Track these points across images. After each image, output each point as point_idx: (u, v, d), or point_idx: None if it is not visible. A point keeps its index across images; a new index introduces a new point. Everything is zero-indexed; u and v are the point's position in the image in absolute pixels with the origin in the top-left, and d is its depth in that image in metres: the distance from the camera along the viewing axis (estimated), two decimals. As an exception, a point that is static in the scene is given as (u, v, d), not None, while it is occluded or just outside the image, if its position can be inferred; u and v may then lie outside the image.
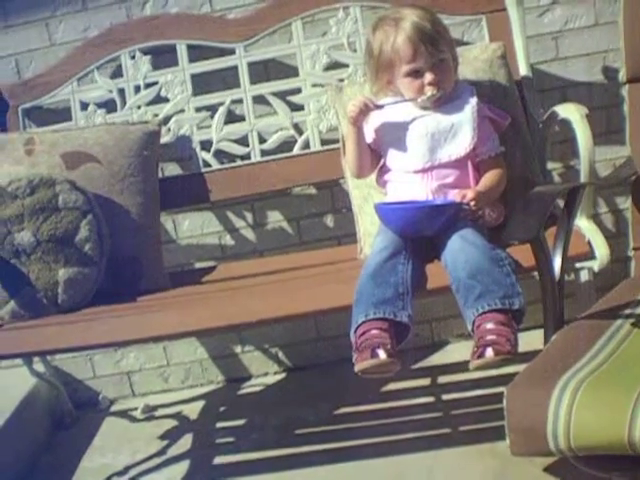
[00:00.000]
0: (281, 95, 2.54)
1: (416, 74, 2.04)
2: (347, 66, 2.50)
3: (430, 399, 2.54)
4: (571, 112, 2.17)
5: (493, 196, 2.05)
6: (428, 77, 2.03)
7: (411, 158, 2.06)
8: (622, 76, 1.98)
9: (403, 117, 2.08)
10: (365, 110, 2.06)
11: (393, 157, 2.10)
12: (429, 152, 2.05)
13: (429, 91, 2.03)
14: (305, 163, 2.50)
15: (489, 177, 2.06)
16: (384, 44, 2.04)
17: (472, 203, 1.96)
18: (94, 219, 2.29)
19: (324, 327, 2.80)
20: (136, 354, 2.86)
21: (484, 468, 2.13)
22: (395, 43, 2.02)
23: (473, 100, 2.07)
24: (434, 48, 2.02)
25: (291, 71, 2.56)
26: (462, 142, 2.04)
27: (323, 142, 2.50)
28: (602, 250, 2.03)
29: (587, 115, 2.13)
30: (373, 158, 2.14)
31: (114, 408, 2.86)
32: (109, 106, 2.57)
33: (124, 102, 2.56)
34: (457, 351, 2.71)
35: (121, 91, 2.56)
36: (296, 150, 2.52)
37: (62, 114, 2.58)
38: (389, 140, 2.10)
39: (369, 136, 2.11)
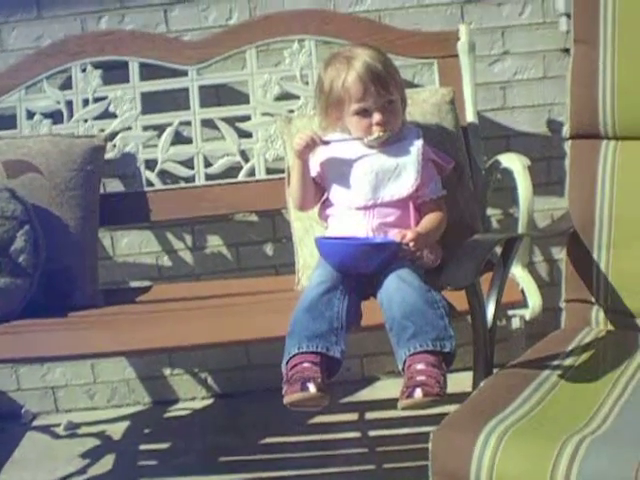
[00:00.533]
0: (230, 121, 2.54)
1: (364, 113, 2.06)
2: (298, 98, 2.52)
3: (357, 434, 2.54)
4: (513, 162, 2.22)
5: (432, 238, 2.07)
6: (376, 117, 2.05)
7: (354, 195, 2.08)
8: (565, 131, 2.02)
9: (349, 154, 2.10)
10: (311, 145, 2.07)
11: (337, 192, 2.11)
12: (372, 190, 2.07)
13: (376, 132, 2.06)
14: (249, 190, 2.51)
15: (429, 219, 2.08)
16: (335, 81, 2.06)
17: (411, 244, 1.98)
18: (31, 230, 2.26)
19: (256, 355, 2.79)
20: (63, 369, 2.81)
21: (404, 507, 2.15)
22: (346, 81, 2.04)
23: (419, 142, 2.10)
24: (384, 89, 2.04)
25: (242, 98, 2.57)
26: (405, 183, 2.07)
27: (269, 171, 2.51)
28: (534, 299, 2.07)
29: (529, 166, 2.17)
30: (317, 192, 2.15)
31: (37, 422, 2.81)
32: (55, 117, 2.54)
33: (71, 114, 2.54)
34: (386, 388, 2.72)
35: (69, 103, 2.54)
36: (241, 177, 2.53)
37: (7, 121, 2.54)
38: (334, 175, 2.11)
39: (314, 170, 2.12)
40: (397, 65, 2.16)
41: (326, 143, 2.09)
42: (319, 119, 2.16)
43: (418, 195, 2.09)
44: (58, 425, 2.76)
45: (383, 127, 2.05)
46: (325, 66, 2.11)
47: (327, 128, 2.14)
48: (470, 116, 2.43)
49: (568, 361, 1.75)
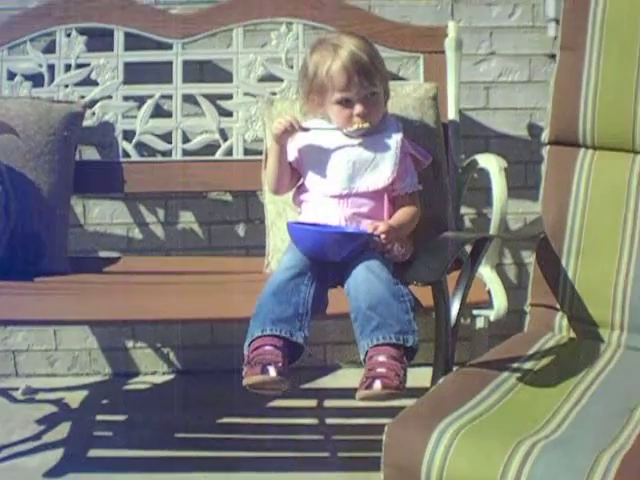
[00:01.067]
0: (212, 98, 2.53)
1: (346, 103, 2.06)
2: (281, 80, 2.52)
3: (314, 421, 2.55)
4: (491, 163, 2.23)
5: (404, 232, 2.08)
6: (357, 108, 2.05)
7: (330, 183, 2.08)
8: (544, 137, 2.03)
9: (328, 142, 2.10)
10: (290, 130, 2.07)
11: (312, 179, 2.11)
12: (348, 179, 2.07)
13: (356, 124, 2.06)
14: (225, 169, 2.50)
15: (402, 213, 2.09)
16: (319, 68, 2.06)
17: (383, 236, 1.98)
18: (3, 191, 2.25)
19: (220, 334, 2.79)
20: (25, 334, 2.79)
21: (356, 497, 2.16)
22: (330, 69, 2.04)
23: (398, 136, 2.10)
24: (367, 81, 2.04)
25: (225, 76, 2.56)
26: (381, 175, 2.07)
27: (246, 151, 2.51)
28: (500, 301, 2.09)
29: (506, 168, 2.18)
30: (292, 177, 2.15)
31: (-5, 385, 2.79)
32: (36, 80, 2.52)
33: (52, 78, 2.51)
34: (347, 377, 2.73)
35: (51, 67, 2.51)
36: (218, 155, 2.52)
37: (-14, 80, 2.52)
38: (311, 162, 2.11)
39: (291, 155, 2.12)
40: (383, 57, 2.16)
41: (305, 130, 2.09)
42: (300, 103, 2.16)
43: (394, 188, 2.09)
44: (16, 389, 2.74)
45: (364, 119, 2.05)
46: (311, 51, 2.11)
47: (308, 113, 2.14)
48: (452, 114, 2.43)
49: (528, 365, 1.76)
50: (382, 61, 2.12)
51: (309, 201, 2.12)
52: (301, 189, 2.15)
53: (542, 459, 1.41)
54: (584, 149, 1.98)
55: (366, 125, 2.06)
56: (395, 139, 2.09)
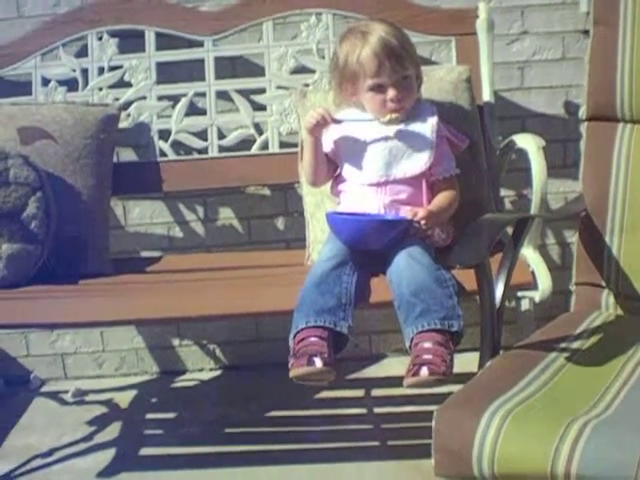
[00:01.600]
0: (245, 93, 2.53)
1: (379, 89, 2.05)
2: (314, 72, 2.51)
3: (362, 410, 2.55)
4: (528, 143, 2.20)
5: (444, 217, 2.06)
6: (391, 93, 2.04)
7: (367, 171, 2.07)
8: (582, 113, 2.01)
9: (363, 130, 2.09)
10: (322, 123, 2.06)
11: (349, 168, 2.10)
12: (385, 167, 2.06)
13: (389, 114, 2.04)
14: (262, 163, 2.50)
15: (442, 198, 2.07)
16: (350, 56, 2.05)
17: (422, 222, 1.97)
18: (43, 197, 2.26)
19: (264, 329, 2.80)
20: (72, 337, 2.82)
21: (407, 484, 2.15)
22: (360, 56, 2.03)
23: (433, 120, 2.09)
24: (399, 65, 2.03)
25: (257, 70, 2.56)
26: (418, 160, 2.06)
27: (282, 144, 2.50)
28: (545, 282, 2.06)
29: (544, 147, 2.16)
30: (329, 168, 2.14)
31: (45, 389, 2.82)
32: (70, 85, 2.53)
33: (86, 82, 2.53)
34: (393, 366, 2.72)
35: (84, 71, 2.53)
36: (254, 150, 2.52)
37: (22, 88, 2.53)
38: (347, 152, 2.10)
39: (327, 146, 2.11)
40: (414, 42, 2.15)
41: (338, 122, 2.08)
42: (333, 94, 2.15)
43: (431, 173, 2.08)
44: (66, 392, 2.77)
45: (398, 103, 2.04)
46: (340, 41, 2.10)
47: (341, 104, 2.13)
48: (486, 95, 2.41)
49: (576, 344, 1.75)
50: (412, 45, 2.11)
51: (347, 191, 2.12)
52: (338, 179, 2.14)
53: (594, 438, 1.39)
54: (623, 123, 1.96)
55: (400, 115, 2.05)
56: (430, 124, 2.08)
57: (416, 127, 2.08)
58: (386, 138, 2.07)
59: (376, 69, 2.02)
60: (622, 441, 1.39)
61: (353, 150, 2.09)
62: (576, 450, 1.38)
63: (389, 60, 2.02)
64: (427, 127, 2.08)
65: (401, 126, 2.07)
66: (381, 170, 2.06)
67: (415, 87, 2.09)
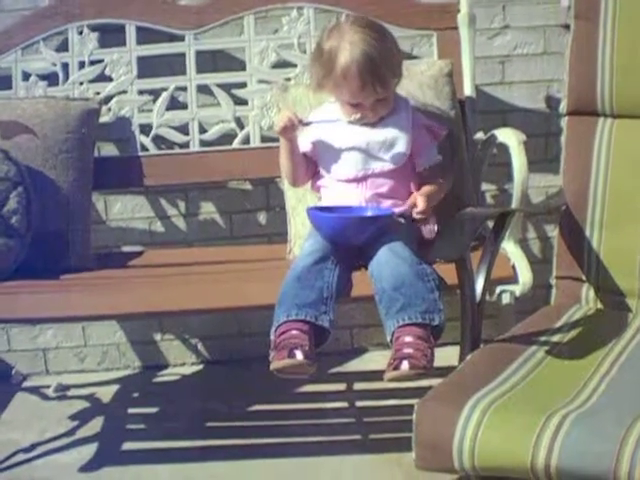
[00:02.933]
0: (226, 87, 2.53)
1: (356, 104, 2.03)
2: (295, 66, 2.50)
3: (344, 404, 2.55)
4: (509, 137, 2.21)
5: (435, 202, 2.06)
6: (366, 111, 2.03)
7: (345, 167, 2.07)
8: (563, 107, 2.02)
9: (340, 127, 2.08)
10: (290, 126, 2.05)
11: (328, 165, 2.10)
12: (363, 162, 2.06)
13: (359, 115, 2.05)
14: (243, 158, 2.50)
15: (429, 187, 2.07)
16: (335, 67, 1.99)
17: (420, 207, 1.98)
18: (24, 192, 2.25)
19: (246, 323, 2.80)
20: (54, 331, 2.81)
21: (389, 478, 2.15)
22: (347, 72, 1.98)
23: (409, 112, 2.09)
24: (381, 87, 2.00)
25: (238, 65, 2.55)
26: (396, 154, 2.06)
27: (263, 139, 2.50)
28: (525, 276, 2.07)
29: (525, 142, 2.17)
30: (308, 167, 2.14)
31: (26, 384, 2.81)
32: (51, 79, 2.52)
33: (67, 77, 2.52)
34: (375, 359, 2.73)
35: (65, 65, 2.51)
36: (236, 144, 2.52)
37: (2, 82, 2.51)
38: (325, 150, 2.10)
39: (305, 146, 2.11)
40: (396, 36, 2.14)
41: (306, 124, 2.08)
42: (310, 80, 2.12)
43: (415, 165, 2.09)
44: (48, 387, 2.76)
45: (371, 117, 2.05)
46: (327, 38, 2.04)
47: (317, 90, 2.11)
48: (468, 90, 2.41)
49: (556, 338, 1.76)
50: (398, 50, 2.08)
51: (327, 186, 2.12)
52: (318, 175, 2.14)
53: (574, 430, 1.41)
54: (603, 118, 1.97)
55: (372, 119, 2.05)
56: (406, 116, 2.08)
57: (392, 121, 2.07)
58: (363, 132, 2.07)
59: (359, 90, 2.00)
60: (601, 433, 1.40)
61: (331, 146, 2.09)
62: (556, 442, 1.40)
63: (372, 83, 1.98)
64: (403, 121, 2.07)
65: (378, 121, 2.07)
66: (359, 165, 2.06)
67: (392, 100, 2.07)
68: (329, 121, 2.09)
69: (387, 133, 2.06)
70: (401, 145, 2.06)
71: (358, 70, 1.97)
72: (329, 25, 2.13)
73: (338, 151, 2.08)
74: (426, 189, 2.06)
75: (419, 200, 1.99)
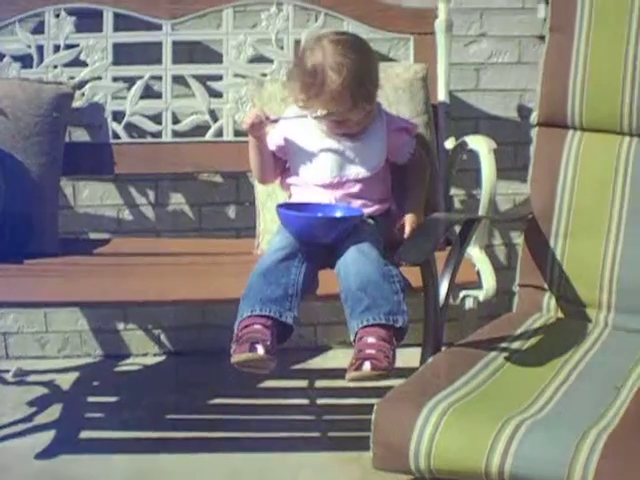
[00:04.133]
0: (201, 79, 2.52)
1: (343, 120, 2.04)
2: (271, 62, 2.51)
3: (304, 401, 2.56)
4: (480, 145, 2.23)
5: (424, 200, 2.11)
6: (351, 125, 2.05)
7: (319, 172, 2.08)
8: (533, 118, 2.04)
9: (314, 130, 2.09)
10: (258, 123, 2.05)
11: (300, 167, 2.11)
12: (338, 168, 2.07)
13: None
14: (215, 150, 2.50)
15: (416, 190, 2.12)
16: (322, 83, 1.98)
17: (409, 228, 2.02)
18: (-8, 173, 2.24)
19: (210, 316, 2.80)
20: (15, 316, 2.79)
21: (347, 476, 2.17)
22: (334, 91, 1.98)
23: (383, 118, 2.11)
24: (367, 103, 2.02)
25: (215, 57, 2.55)
26: (370, 163, 2.07)
27: (236, 133, 2.50)
28: (489, 282, 2.10)
29: (495, 150, 2.19)
30: (276, 165, 2.14)
31: (-15, 367, 2.79)
32: (25, 61, 2.50)
33: (41, 59, 2.49)
34: (337, 358, 2.74)
35: (40, 48, 2.49)
36: (208, 136, 2.52)
37: (-25, 61, 2.50)
38: (297, 151, 2.10)
39: (273, 144, 2.11)
40: (373, 38, 2.15)
41: (274, 121, 2.08)
42: (293, 100, 2.10)
43: (394, 162, 2.12)
44: (7, 371, 2.74)
45: (356, 130, 2.06)
46: (309, 59, 2.02)
47: (292, 102, 2.12)
48: (442, 95, 2.43)
49: (516, 344, 1.78)
50: (377, 63, 2.09)
51: (298, 185, 2.12)
52: (287, 173, 2.14)
53: (529, 437, 1.42)
54: (572, 131, 1.99)
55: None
56: (381, 123, 2.09)
57: (368, 129, 2.08)
58: (338, 137, 2.08)
59: (349, 111, 2.01)
60: (556, 440, 1.42)
61: (304, 149, 2.09)
62: (511, 447, 1.41)
63: (362, 101, 2.00)
64: (378, 129, 2.09)
65: None
66: (334, 172, 2.07)
67: (375, 110, 2.08)
68: (297, 117, 2.08)
69: (364, 140, 2.08)
70: (377, 154, 2.08)
71: (349, 93, 1.98)
72: (309, 40, 2.11)
73: (311, 154, 2.08)
74: (412, 200, 2.09)
75: (412, 220, 2.03)
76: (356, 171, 2.07)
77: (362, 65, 2.00)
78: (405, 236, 2.00)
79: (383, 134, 2.09)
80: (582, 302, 1.94)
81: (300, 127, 2.09)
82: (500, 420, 1.46)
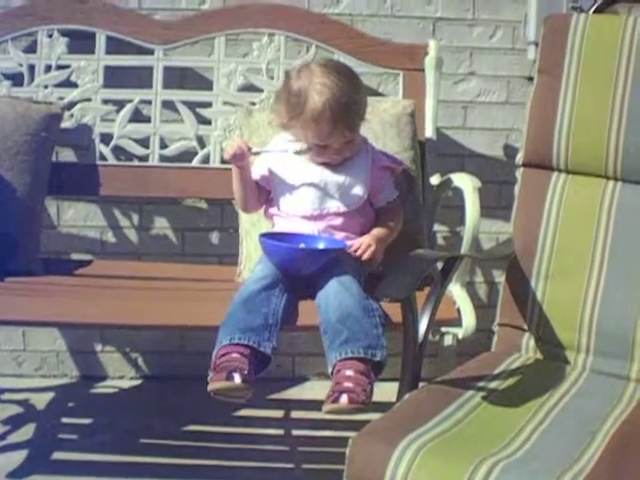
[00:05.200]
0: (191, 105, 2.53)
1: (324, 146, 2.05)
2: (261, 91, 2.52)
3: (280, 431, 2.56)
4: (465, 183, 2.25)
5: (388, 241, 2.09)
6: (333, 153, 2.05)
7: (300, 204, 2.08)
8: (519, 158, 2.05)
9: (298, 161, 2.09)
10: (240, 154, 2.06)
11: (283, 200, 2.11)
12: (319, 201, 2.07)
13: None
14: (201, 176, 2.51)
15: (385, 226, 2.10)
16: (306, 108, 1.99)
17: (362, 253, 2.00)
18: (-23, 190, 2.23)
19: (189, 341, 2.79)
20: (-7, 333, 2.78)
21: (318, 509, 2.17)
22: (317, 116, 1.99)
23: (368, 153, 2.11)
24: (349, 131, 2.03)
25: (205, 84, 2.56)
26: (352, 197, 2.08)
27: (223, 160, 2.49)
28: (469, 320, 2.10)
29: (480, 188, 2.20)
30: (260, 195, 2.14)
31: (-40, 384, 2.77)
32: (16, 79, 2.51)
33: (32, 79, 2.51)
34: (315, 389, 2.74)
35: (31, 67, 2.51)
36: (195, 162, 2.53)
37: (-34, 78, 2.50)
38: (280, 182, 2.11)
39: (256, 174, 2.12)
40: (363, 72, 2.16)
41: (255, 154, 2.09)
42: (276, 123, 2.11)
43: (373, 202, 2.11)
44: (-18, 388, 2.73)
45: (336, 158, 2.06)
46: (295, 82, 2.03)
47: (279, 128, 2.12)
48: (429, 131, 2.45)
49: (493, 384, 1.78)
50: (364, 94, 2.09)
51: (281, 216, 2.12)
52: (271, 203, 2.15)
53: (502, 479, 1.42)
54: (557, 173, 2.00)
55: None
56: (365, 158, 2.10)
57: (352, 162, 2.09)
58: (321, 170, 2.08)
59: (328, 134, 2.01)
60: (530, 483, 1.42)
61: (286, 182, 2.10)
62: (484, 489, 1.41)
63: (342, 126, 2.00)
64: (362, 164, 2.09)
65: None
66: (315, 204, 2.07)
67: (358, 142, 2.09)
68: (278, 151, 2.10)
69: (346, 174, 2.08)
70: (359, 188, 2.08)
71: (329, 114, 1.98)
72: (298, 66, 2.13)
73: (292, 187, 2.09)
74: (378, 230, 2.08)
75: (368, 242, 2.02)
76: (337, 205, 2.07)
77: (346, 90, 2.01)
78: (351, 251, 2.00)
79: (367, 170, 2.09)
80: (561, 344, 1.94)
81: (283, 158, 2.10)
82: (474, 460, 1.45)
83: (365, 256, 2.01)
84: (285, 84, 2.09)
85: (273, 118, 2.13)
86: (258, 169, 2.12)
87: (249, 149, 2.07)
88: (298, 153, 2.07)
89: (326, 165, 2.09)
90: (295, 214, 2.09)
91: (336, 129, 2.01)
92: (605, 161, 1.94)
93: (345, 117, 2.00)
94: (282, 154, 2.09)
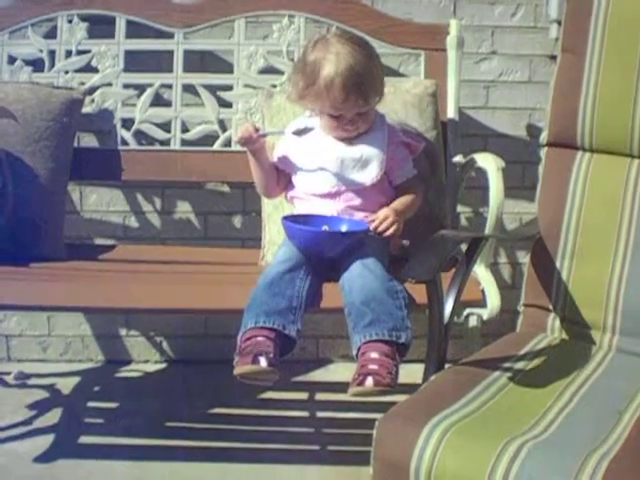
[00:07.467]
0: (212, 89, 2.53)
1: (337, 116, 2.04)
2: (282, 73, 2.51)
3: (305, 414, 2.56)
4: (488, 162, 2.24)
5: (406, 214, 2.08)
6: (347, 124, 2.04)
7: (318, 183, 2.08)
8: (543, 138, 2.04)
9: (315, 141, 2.09)
10: (248, 138, 2.05)
11: (301, 179, 2.11)
12: (336, 177, 2.06)
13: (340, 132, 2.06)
14: (223, 160, 2.50)
15: (402, 199, 2.09)
16: (319, 78, 2.00)
17: (387, 222, 2.00)
18: (0, 176, 2.24)
19: (213, 325, 2.80)
20: (18, 319, 2.80)
21: (344, 490, 2.17)
22: (330, 84, 1.98)
23: (384, 130, 2.10)
24: (363, 101, 2.01)
25: (226, 67, 2.56)
26: (369, 172, 2.07)
27: (244, 143, 2.50)
28: (494, 301, 2.10)
29: (503, 168, 2.19)
30: (280, 178, 2.14)
31: (-14, 369, 2.80)
32: (37, 65, 2.51)
33: (53, 64, 2.51)
34: (339, 371, 2.74)
35: (52, 53, 2.51)
36: (217, 146, 2.52)
37: (-13, 64, 2.51)
38: (298, 162, 2.10)
39: (275, 156, 2.12)
40: (384, 52, 2.15)
41: (262, 135, 2.08)
42: (293, 95, 2.11)
43: (391, 179, 2.10)
44: (8, 374, 2.74)
45: (351, 131, 2.06)
46: (312, 49, 2.04)
47: (296, 102, 2.12)
48: (451, 112, 2.43)
49: (519, 365, 1.77)
50: (381, 68, 2.09)
51: (301, 198, 2.12)
52: (291, 186, 2.14)
53: (530, 459, 1.42)
54: (582, 152, 1.99)
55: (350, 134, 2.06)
56: (382, 134, 2.09)
57: (368, 139, 2.08)
58: (338, 147, 2.07)
59: (340, 102, 2.00)
60: (558, 463, 1.41)
61: (304, 159, 2.09)
62: (512, 470, 1.41)
63: (355, 96, 1.99)
64: (379, 140, 2.08)
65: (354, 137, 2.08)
66: (332, 182, 2.06)
67: (372, 116, 2.08)
68: (277, 132, 2.10)
69: (362, 151, 2.07)
70: (375, 164, 2.07)
71: (342, 82, 1.98)
72: (315, 37, 2.12)
73: (310, 165, 2.09)
74: (396, 203, 2.07)
75: (386, 214, 2.01)
76: (354, 182, 2.06)
77: (359, 59, 2.00)
78: (372, 227, 1.99)
79: (384, 144, 2.08)
80: (587, 324, 1.94)
81: (303, 139, 2.09)
82: (502, 441, 1.45)
83: (387, 232, 2.00)
84: (302, 55, 2.10)
85: (290, 91, 2.13)
86: (276, 152, 2.12)
87: (256, 130, 2.06)
88: (296, 133, 2.07)
89: (342, 140, 2.07)
90: (314, 193, 2.08)
91: (349, 98, 1.99)
92: (630, 139, 1.93)
93: (358, 86, 1.99)
94: (281, 134, 2.10)
